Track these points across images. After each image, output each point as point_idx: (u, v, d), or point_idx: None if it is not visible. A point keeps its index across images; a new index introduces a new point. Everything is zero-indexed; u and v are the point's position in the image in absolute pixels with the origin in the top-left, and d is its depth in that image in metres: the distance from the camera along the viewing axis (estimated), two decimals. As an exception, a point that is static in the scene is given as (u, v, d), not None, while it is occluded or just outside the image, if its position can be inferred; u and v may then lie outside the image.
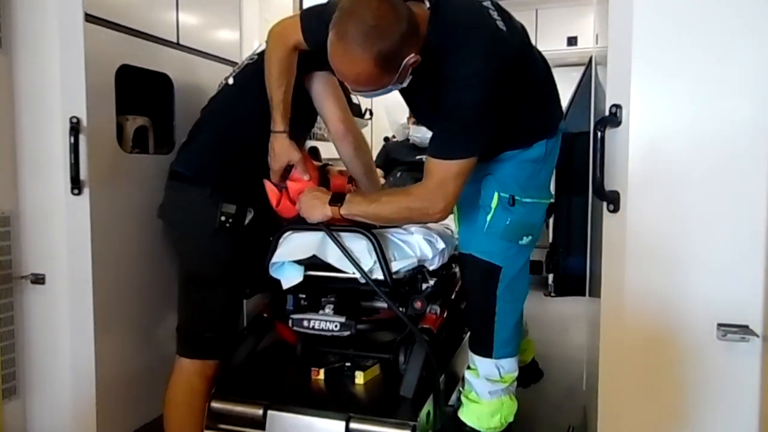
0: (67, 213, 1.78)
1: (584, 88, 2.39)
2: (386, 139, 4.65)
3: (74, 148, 1.73)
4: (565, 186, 2.20)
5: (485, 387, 1.79)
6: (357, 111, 4.46)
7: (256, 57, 1.93)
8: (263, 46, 1.91)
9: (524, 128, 1.69)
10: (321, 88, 1.84)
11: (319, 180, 1.88)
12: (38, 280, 1.81)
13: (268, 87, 1.73)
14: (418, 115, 1.93)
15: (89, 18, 1.76)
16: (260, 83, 1.82)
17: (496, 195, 1.70)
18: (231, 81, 1.91)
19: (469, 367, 1.85)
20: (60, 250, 1.80)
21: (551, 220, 2.89)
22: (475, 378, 1.81)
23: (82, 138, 1.75)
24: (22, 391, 1.84)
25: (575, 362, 2.66)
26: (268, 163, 1.79)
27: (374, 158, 3.45)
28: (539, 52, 1.74)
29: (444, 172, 1.52)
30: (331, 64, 1.46)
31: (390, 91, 1.52)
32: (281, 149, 1.75)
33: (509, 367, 1.79)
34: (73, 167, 1.74)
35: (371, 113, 4.80)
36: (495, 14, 1.52)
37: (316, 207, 1.69)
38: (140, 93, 2.11)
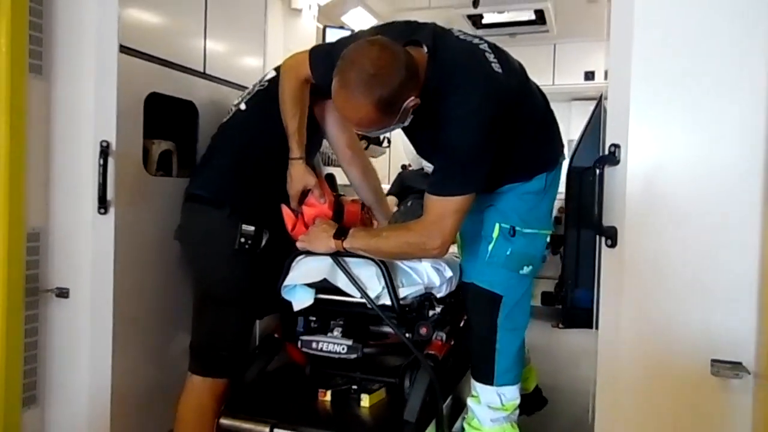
0: (93, 231, 1.87)
1: (594, 122, 2.46)
2: (403, 167, 4.74)
3: (103, 170, 1.83)
4: (573, 219, 2.25)
5: (487, 414, 1.81)
6: (375, 139, 4.56)
7: (266, 83, 2.02)
8: (272, 74, 2.02)
9: (524, 163, 1.76)
10: (329, 115, 1.92)
11: (334, 206, 1.95)
12: (62, 293, 1.90)
13: (283, 116, 1.82)
14: (420, 152, 1.99)
15: (123, 49, 1.88)
16: (272, 109, 1.91)
17: (497, 226, 1.75)
18: (243, 107, 2.00)
19: (471, 395, 1.88)
20: (84, 266, 1.89)
21: (561, 252, 2.93)
22: (477, 405, 1.83)
23: (110, 160, 1.85)
24: (42, 400, 1.91)
25: (582, 395, 2.65)
26: (287, 188, 1.87)
27: (390, 185, 3.53)
28: (538, 89, 1.80)
29: (441, 209, 1.58)
30: (335, 108, 1.55)
31: (392, 130, 1.60)
32: (298, 175, 1.84)
33: (511, 395, 1.82)
34: (101, 188, 1.84)
35: (389, 141, 4.90)
36: (491, 56, 1.59)
37: (321, 239, 1.75)
38: (166, 118, 2.22)
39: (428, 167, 3.17)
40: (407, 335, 1.90)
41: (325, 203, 1.89)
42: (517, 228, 1.74)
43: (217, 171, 1.92)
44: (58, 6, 1.88)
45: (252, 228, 1.83)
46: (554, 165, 1.83)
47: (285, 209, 1.89)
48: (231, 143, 1.96)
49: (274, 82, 1.96)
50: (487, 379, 1.80)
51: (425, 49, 1.57)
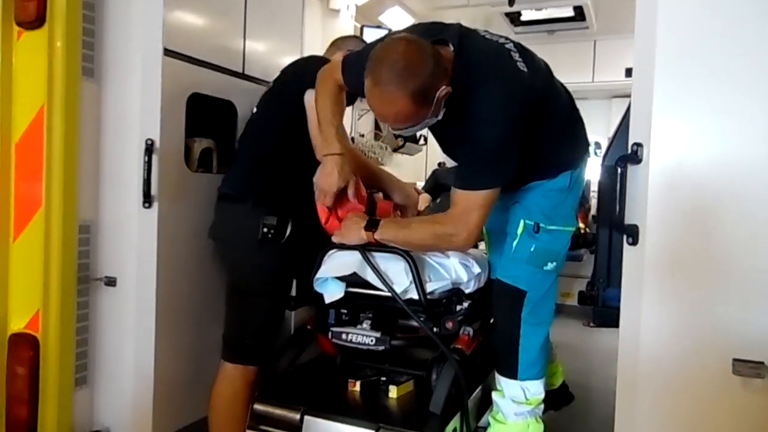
0: (138, 224, 1.99)
1: (627, 120, 2.43)
2: (440, 164, 4.77)
3: (147, 167, 1.95)
4: (603, 218, 2.25)
5: (511, 408, 1.85)
6: (412, 137, 4.61)
7: (270, 84, 2.16)
8: (276, 74, 2.16)
9: (549, 160, 1.79)
10: (308, 109, 1.97)
11: (367, 203, 2.00)
12: (110, 282, 2.02)
13: (321, 117, 1.87)
14: (445, 149, 2.04)
15: (167, 52, 1.99)
16: (279, 108, 2.04)
17: (521, 222, 1.79)
18: (254, 110, 2.13)
19: (496, 389, 1.92)
20: (130, 256, 2.01)
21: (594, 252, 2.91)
22: (502, 399, 1.87)
23: (154, 158, 1.96)
24: (92, 381, 2.04)
25: (614, 394, 2.64)
26: (316, 183, 1.87)
27: (424, 182, 3.58)
28: (564, 88, 1.83)
29: (467, 203, 1.63)
30: (371, 109, 1.60)
31: (427, 125, 1.64)
32: (342, 171, 1.82)
33: (535, 389, 1.85)
34: (146, 183, 1.95)
35: (426, 140, 4.94)
36: (516, 56, 1.63)
37: (353, 231, 1.81)
38: (207, 117, 2.32)
39: (461, 165, 3.21)
40: (434, 329, 1.95)
41: (358, 202, 1.94)
42: (542, 225, 1.77)
43: (239, 170, 2.06)
44: (108, 12, 2.00)
45: (274, 218, 1.92)
46: (579, 163, 1.86)
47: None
48: (249, 144, 2.10)
49: (277, 82, 2.10)
50: (511, 373, 1.84)
51: (451, 47, 1.62)
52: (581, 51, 4.62)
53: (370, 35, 3.78)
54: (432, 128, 1.82)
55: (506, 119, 1.56)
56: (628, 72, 4.76)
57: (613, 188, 1.99)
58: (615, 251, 2.32)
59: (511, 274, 1.83)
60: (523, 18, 4.53)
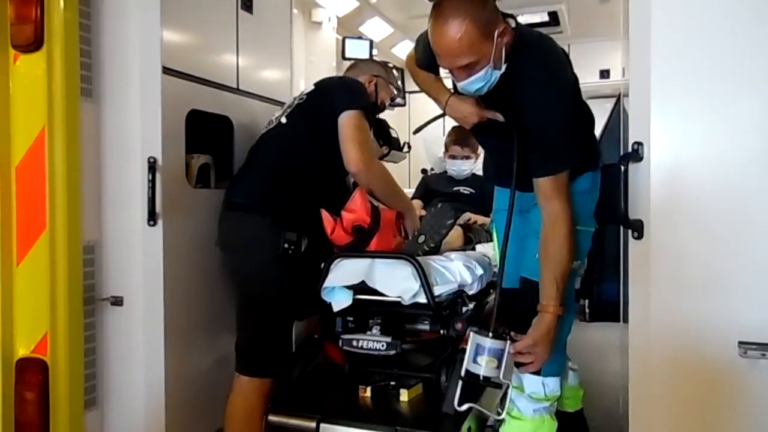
0: (144, 242, 1.99)
1: (614, 120, 2.53)
2: (423, 171, 4.82)
3: (152, 184, 1.95)
4: (598, 214, 2.31)
5: (529, 404, 1.87)
6: (396, 145, 4.66)
7: (305, 97, 2.14)
8: (311, 88, 2.16)
9: (581, 147, 1.83)
10: (345, 130, 2.01)
11: (372, 214, 2.03)
12: (117, 302, 2.01)
13: (427, 89, 1.94)
14: (487, 144, 2.09)
15: (166, 70, 2.00)
16: (311, 122, 2.03)
17: None
18: (284, 120, 2.11)
19: (513, 386, 1.87)
20: (136, 275, 2.00)
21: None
22: (519, 395, 1.88)
23: (157, 175, 1.97)
24: (101, 402, 2.02)
25: (612, 387, 2.71)
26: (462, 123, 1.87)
27: (414, 189, 3.62)
28: None
29: (557, 186, 1.70)
30: (436, 50, 1.62)
31: (488, 80, 1.63)
32: (466, 107, 1.80)
33: (553, 385, 1.88)
34: (150, 201, 1.96)
35: (409, 147, 4.99)
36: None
37: (551, 329, 1.70)
38: (203, 133, 2.34)
39: (452, 170, 3.27)
40: (442, 331, 1.99)
41: (362, 211, 1.98)
42: None
43: (258, 180, 2.04)
44: (105, 33, 2.00)
45: (295, 234, 1.93)
46: (597, 164, 1.92)
47: (324, 214, 1.99)
48: (272, 154, 2.08)
49: (311, 95, 2.10)
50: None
51: (513, 22, 1.70)
52: (556, 54, 4.73)
53: (352, 46, 3.83)
54: (478, 129, 1.85)
55: (560, 93, 1.66)
56: (603, 73, 4.96)
57: (608, 186, 2.08)
58: (609, 247, 2.39)
59: (535, 270, 1.79)
60: (499, 24, 4.64)
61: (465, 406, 1.69)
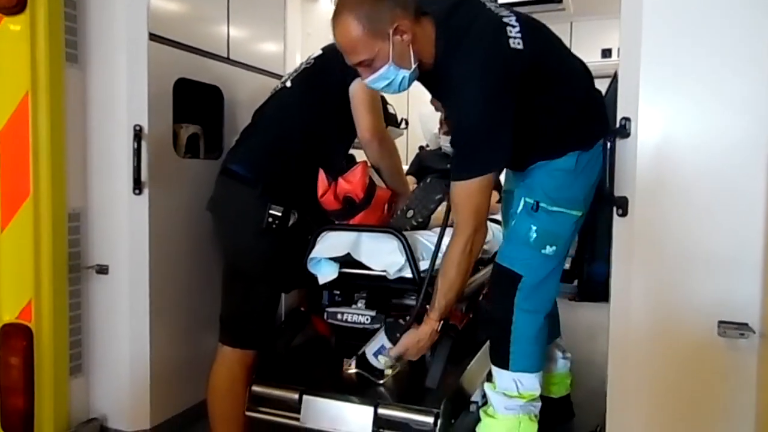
0: (129, 211, 1.99)
1: (609, 100, 2.48)
2: (421, 147, 4.79)
3: (137, 153, 1.94)
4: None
5: (502, 401, 1.73)
6: (393, 121, 4.61)
7: (312, 61, 2.07)
8: (318, 52, 2.09)
9: (554, 141, 1.71)
10: (358, 95, 1.96)
11: (367, 189, 1.97)
12: (102, 270, 2.01)
13: None
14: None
15: (152, 36, 1.97)
16: (316, 87, 1.98)
17: (522, 200, 1.72)
18: (289, 84, 2.04)
19: (489, 380, 1.84)
20: (122, 243, 2.00)
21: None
22: (493, 392, 1.77)
23: (143, 144, 1.95)
24: (87, 369, 2.04)
25: (599, 367, 2.71)
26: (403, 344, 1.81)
27: (408, 165, 3.59)
28: (584, 68, 1.80)
29: (464, 196, 1.59)
30: (336, 43, 1.60)
31: (396, 77, 1.58)
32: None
33: (528, 383, 1.72)
34: (136, 170, 1.94)
35: (407, 123, 4.94)
36: (514, 30, 1.57)
37: (423, 339, 1.75)
38: (193, 103, 2.31)
39: (446, 147, 3.23)
40: (428, 307, 1.98)
41: (358, 183, 1.94)
42: (542, 204, 1.68)
43: (253, 149, 1.98)
44: (90, -3, 1.97)
45: (280, 208, 1.88)
46: (590, 145, 1.70)
47: (321, 175, 1.94)
48: (272, 122, 2.01)
49: (320, 59, 2.03)
50: (503, 363, 1.73)
51: (432, 17, 1.61)
52: (558, 32, 4.64)
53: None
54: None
55: (483, 89, 1.51)
56: (605, 53, 4.88)
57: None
58: (600, 226, 2.37)
59: (507, 255, 1.74)
60: (500, 0, 4.56)
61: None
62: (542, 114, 1.66)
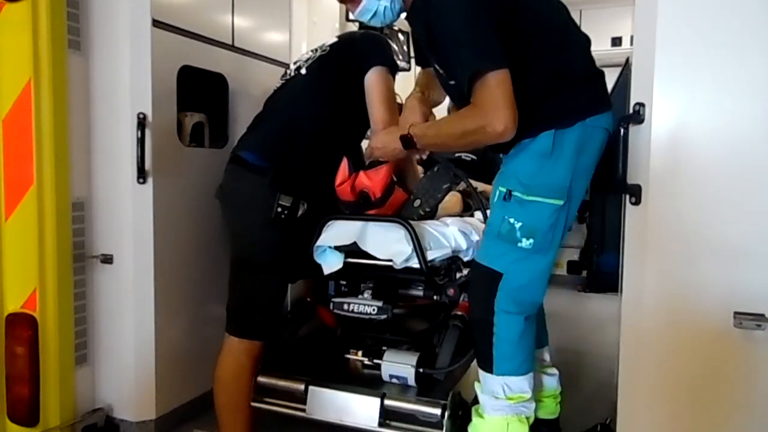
0: (134, 200, 1.97)
1: (620, 88, 2.45)
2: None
3: (141, 142, 1.91)
4: (599, 182, 2.25)
5: (489, 402, 1.63)
6: (400, 111, 4.55)
7: (327, 48, 2.03)
8: (334, 39, 2.06)
9: (527, 111, 1.47)
10: (374, 86, 1.93)
11: (386, 188, 1.94)
12: (107, 260, 1.99)
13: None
14: (445, 87, 1.78)
15: (156, 23, 1.94)
16: (333, 75, 1.95)
17: (497, 190, 1.61)
18: (304, 71, 2.00)
19: (478, 380, 1.71)
20: (126, 233, 1.98)
21: (587, 219, 2.95)
22: (481, 393, 1.67)
23: (147, 132, 1.93)
24: (92, 359, 2.03)
25: (608, 358, 2.69)
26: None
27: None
28: (577, 34, 1.65)
29: (481, 90, 1.43)
30: None
31: (377, 8, 1.67)
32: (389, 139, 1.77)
33: (516, 386, 1.60)
34: (140, 159, 1.92)
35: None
36: None
37: (390, 141, 1.74)
38: (197, 92, 2.29)
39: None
40: (435, 297, 1.96)
41: (381, 180, 1.91)
42: (515, 193, 1.55)
43: (264, 138, 1.94)
44: (93, -17, 1.94)
45: (290, 198, 1.85)
46: (567, 122, 1.51)
47: (344, 163, 1.92)
48: (285, 109, 1.98)
49: (336, 47, 2.00)
50: (487, 367, 1.61)
51: None
52: (568, 21, 4.60)
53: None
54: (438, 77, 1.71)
55: (464, 3, 1.45)
56: (615, 41, 4.82)
57: (612, 150, 2.01)
58: (609, 216, 2.35)
59: (485, 252, 1.62)
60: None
61: None
62: (518, 46, 1.49)
